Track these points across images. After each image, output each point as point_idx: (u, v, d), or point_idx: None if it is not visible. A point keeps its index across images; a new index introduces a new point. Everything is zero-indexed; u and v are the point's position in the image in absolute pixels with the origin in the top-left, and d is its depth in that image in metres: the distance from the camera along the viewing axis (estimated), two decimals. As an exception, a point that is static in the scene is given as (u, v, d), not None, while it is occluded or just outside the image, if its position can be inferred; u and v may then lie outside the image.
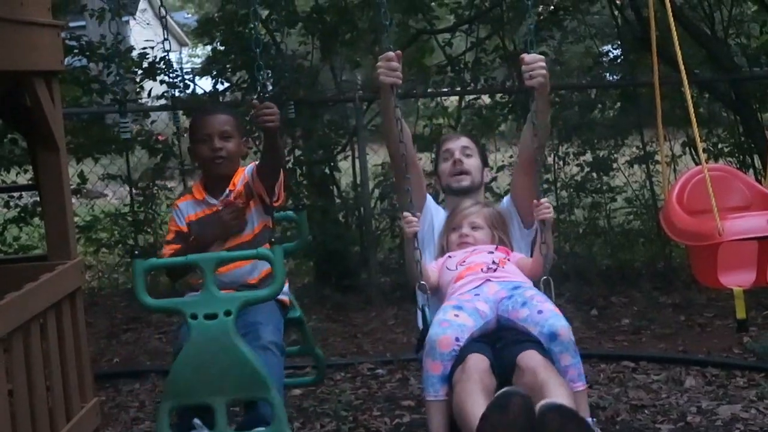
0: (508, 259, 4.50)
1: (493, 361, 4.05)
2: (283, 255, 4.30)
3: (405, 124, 4.59)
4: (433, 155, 9.66)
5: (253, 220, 4.70)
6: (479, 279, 4.35)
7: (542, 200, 4.38)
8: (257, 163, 4.65)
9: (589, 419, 4.01)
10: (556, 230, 9.28)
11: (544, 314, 4.11)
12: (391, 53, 4.40)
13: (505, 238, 4.66)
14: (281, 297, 4.74)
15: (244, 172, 4.74)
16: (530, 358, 3.98)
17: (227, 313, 4.15)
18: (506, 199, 4.93)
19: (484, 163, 5.00)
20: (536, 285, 4.40)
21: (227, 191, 4.75)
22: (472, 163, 4.88)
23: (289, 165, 9.06)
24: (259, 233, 4.68)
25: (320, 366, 5.45)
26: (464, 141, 4.96)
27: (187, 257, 4.41)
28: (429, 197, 4.88)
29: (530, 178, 4.58)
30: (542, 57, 4.43)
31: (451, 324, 4.11)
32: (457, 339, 4.07)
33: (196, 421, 4.27)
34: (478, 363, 4.00)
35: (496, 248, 4.57)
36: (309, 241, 5.55)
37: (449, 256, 4.55)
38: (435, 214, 4.86)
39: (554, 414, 3.69)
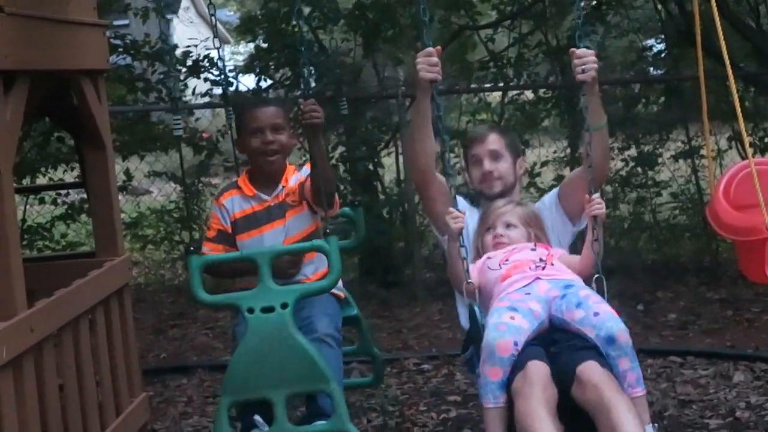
0: (552, 255, 4.33)
1: (550, 366, 3.89)
2: (338, 248, 4.22)
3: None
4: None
5: (305, 220, 4.69)
6: (528, 277, 4.15)
7: (594, 196, 4.22)
8: (308, 177, 4.55)
9: (650, 426, 3.89)
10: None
11: (601, 316, 3.93)
12: (431, 49, 4.30)
13: (541, 236, 4.47)
14: (336, 291, 4.70)
15: (298, 173, 4.71)
16: (591, 371, 3.82)
17: (284, 306, 4.12)
18: (552, 193, 4.77)
19: (516, 154, 4.75)
20: (587, 283, 4.23)
21: (280, 187, 4.72)
22: (503, 166, 4.65)
23: (333, 162, 9.09)
24: (314, 232, 4.66)
25: (378, 367, 5.33)
26: (491, 143, 4.67)
27: (242, 253, 4.43)
28: (459, 198, 4.59)
29: (586, 182, 4.34)
30: (593, 51, 4.35)
31: (509, 327, 3.92)
32: (515, 343, 3.89)
33: (257, 418, 4.25)
34: (540, 371, 3.83)
35: (536, 245, 4.39)
36: (365, 237, 5.45)
37: (488, 257, 4.36)
38: (469, 215, 4.55)
39: None
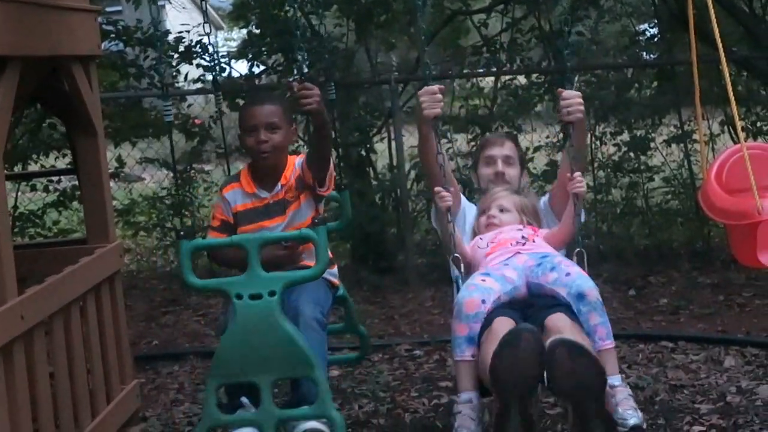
0: (537, 235, 4.62)
1: (520, 324, 4.15)
2: (327, 234, 4.36)
3: (446, 160, 4.73)
4: (469, 137, 9.69)
5: (305, 213, 4.73)
6: (509, 252, 4.48)
7: (575, 174, 4.49)
8: (306, 153, 4.68)
9: (618, 377, 4.18)
10: (593, 210, 9.28)
11: (572, 276, 4.23)
12: (434, 87, 4.56)
13: (534, 223, 4.74)
14: (330, 278, 4.80)
15: (295, 165, 4.75)
16: (557, 319, 4.12)
17: (271, 293, 4.20)
18: (543, 201, 5.02)
19: (523, 167, 5.12)
20: (568, 257, 4.53)
21: (279, 185, 4.76)
22: (513, 172, 4.99)
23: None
24: (311, 222, 4.68)
25: (364, 344, 5.52)
26: (507, 149, 5.03)
27: (232, 238, 4.47)
28: (462, 197, 5.02)
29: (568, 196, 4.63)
30: (579, 93, 4.58)
31: (477, 287, 4.25)
32: (483, 301, 4.21)
33: (244, 399, 4.37)
34: (504, 324, 4.12)
35: (523, 226, 4.68)
36: (351, 220, 5.56)
37: (480, 238, 4.66)
38: (468, 210, 4.97)
39: (564, 348, 3.83)
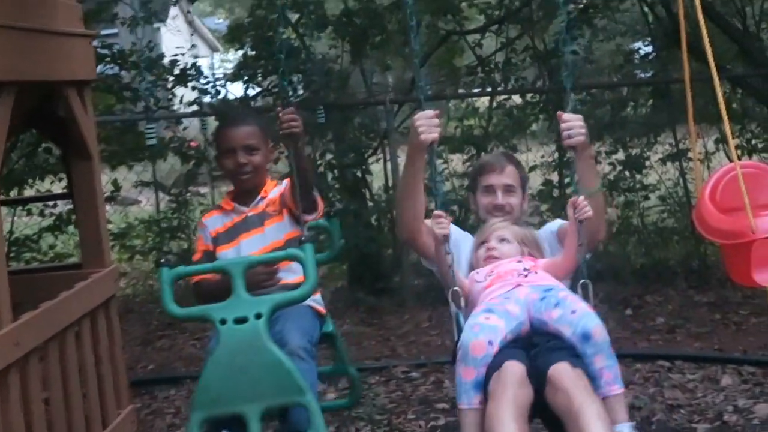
0: (538, 266, 4.32)
1: (528, 367, 3.88)
2: (314, 255, 4.19)
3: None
4: (465, 157, 9.65)
5: (285, 229, 4.67)
6: (510, 284, 4.18)
7: (580, 199, 4.18)
8: (289, 185, 4.56)
9: (628, 424, 3.85)
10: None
11: (578, 314, 3.91)
12: (430, 111, 4.25)
13: (535, 255, 4.45)
14: (316, 306, 4.64)
15: (279, 186, 4.72)
16: (561, 374, 3.80)
17: (258, 316, 4.05)
18: (553, 225, 4.70)
19: (524, 191, 4.78)
20: (574, 289, 4.20)
21: (259, 197, 4.74)
22: (514, 201, 4.67)
23: (321, 169, 9.07)
24: (290, 240, 4.61)
25: (355, 386, 5.27)
26: (508, 177, 4.67)
27: (215, 264, 4.39)
28: (453, 227, 4.45)
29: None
30: (580, 117, 4.30)
31: (483, 327, 3.93)
32: (490, 342, 3.89)
33: None
34: (514, 372, 3.83)
35: (523, 257, 4.39)
36: (341, 250, 5.40)
37: (477, 272, 4.36)
38: (462, 240, 4.61)
39: None
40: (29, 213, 9.78)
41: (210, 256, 4.70)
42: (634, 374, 6.50)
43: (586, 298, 4.12)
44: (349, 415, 6.03)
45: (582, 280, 4.18)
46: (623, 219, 9.70)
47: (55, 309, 4.27)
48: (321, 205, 4.72)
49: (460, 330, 4.06)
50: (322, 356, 5.97)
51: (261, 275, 4.45)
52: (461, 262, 4.48)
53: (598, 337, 3.86)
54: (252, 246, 4.64)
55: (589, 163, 4.40)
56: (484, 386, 3.85)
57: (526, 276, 4.21)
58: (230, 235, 4.72)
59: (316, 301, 4.67)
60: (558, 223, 4.69)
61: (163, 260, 4.24)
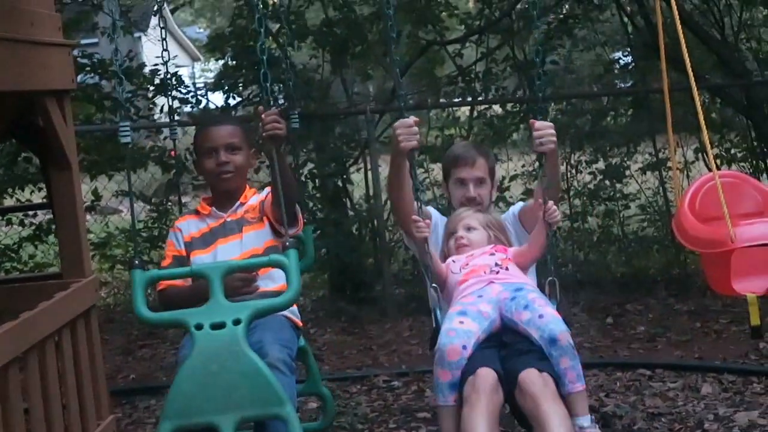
0: (509, 259, 4.61)
1: (500, 371, 4.24)
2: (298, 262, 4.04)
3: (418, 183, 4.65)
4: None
5: (263, 237, 4.55)
6: (483, 281, 4.50)
7: (549, 204, 4.47)
8: (269, 194, 4.46)
9: (588, 417, 4.21)
10: (569, 239, 9.33)
11: (545, 318, 4.25)
12: (409, 120, 4.50)
13: (501, 238, 4.76)
14: (293, 318, 4.57)
15: (259, 194, 4.63)
16: (530, 380, 4.17)
17: (236, 322, 3.86)
18: (515, 209, 5.00)
19: (493, 180, 5.04)
20: (539, 285, 4.59)
21: (238, 203, 4.64)
22: (484, 192, 4.95)
23: (302, 178, 9.07)
24: (270, 247, 4.53)
25: (328, 407, 5.20)
26: (479, 170, 4.93)
27: (192, 267, 4.23)
28: (433, 210, 5.00)
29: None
30: (551, 124, 4.55)
31: (458, 332, 4.27)
32: (464, 347, 4.24)
33: None
34: (487, 379, 4.19)
35: (495, 248, 4.66)
36: (314, 260, 5.36)
37: (453, 260, 4.65)
38: (441, 224, 4.94)
39: None
40: (9, 223, 9.76)
41: (182, 261, 4.57)
42: (614, 382, 6.52)
43: (552, 294, 4.48)
44: (330, 425, 6.01)
45: (549, 278, 4.53)
46: (604, 228, 9.74)
47: (34, 319, 4.25)
48: (301, 220, 4.63)
49: (437, 321, 4.42)
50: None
51: (238, 282, 4.30)
52: (439, 243, 4.83)
53: (563, 341, 4.22)
54: (229, 252, 4.51)
55: (555, 164, 4.72)
56: (459, 387, 4.21)
57: (497, 273, 4.53)
58: (206, 240, 4.60)
59: (294, 313, 4.58)
60: (519, 205, 5.04)
61: (136, 262, 4.04)
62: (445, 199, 5.36)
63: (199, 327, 3.88)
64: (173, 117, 5.25)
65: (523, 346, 4.29)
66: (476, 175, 4.92)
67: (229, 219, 4.63)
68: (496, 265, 4.56)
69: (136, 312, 4.02)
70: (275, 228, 4.56)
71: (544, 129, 4.51)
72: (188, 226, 4.67)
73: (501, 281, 4.48)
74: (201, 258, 4.53)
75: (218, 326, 3.86)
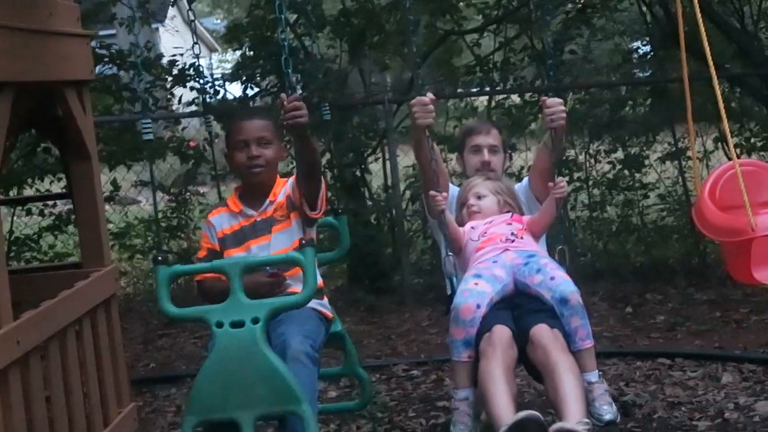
0: (525, 229, 4.86)
1: (513, 329, 4.51)
2: (315, 259, 4.09)
3: (437, 149, 5.02)
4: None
5: (295, 232, 4.53)
6: (498, 249, 4.76)
7: (557, 180, 4.74)
8: (296, 171, 4.50)
9: (595, 373, 4.46)
10: (588, 228, 9.34)
11: (556, 280, 4.53)
12: (425, 98, 4.76)
13: (511, 202, 5.00)
14: (322, 309, 4.60)
15: (286, 185, 4.63)
16: (541, 334, 4.44)
17: (255, 321, 3.96)
18: (524, 184, 5.29)
19: (506, 152, 5.40)
20: (550, 253, 4.88)
21: (267, 201, 4.65)
22: (498, 160, 5.24)
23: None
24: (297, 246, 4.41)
25: (365, 389, 5.28)
26: (492, 138, 5.24)
27: (213, 263, 4.31)
28: (451, 186, 5.28)
29: (547, 178, 4.88)
30: (561, 100, 4.85)
31: (472, 292, 4.54)
32: (478, 306, 4.50)
33: None
34: (502, 335, 4.45)
35: (513, 218, 4.90)
36: (348, 249, 5.46)
37: (472, 227, 4.89)
38: (455, 195, 5.19)
39: None
40: (29, 213, 9.79)
41: (215, 255, 4.61)
42: (634, 372, 6.51)
43: (562, 260, 4.79)
44: (350, 413, 6.02)
45: (559, 247, 4.85)
46: (623, 218, 9.71)
47: (55, 308, 4.27)
48: (325, 201, 4.61)
49: (453, 289, 4.71)
50: (331, 356, 5.98)
51: (265, 286, 4.37)
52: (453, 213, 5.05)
53: (573, 301, 4.49)
54: (261, 252, 4.56)
55: (563, 138, 5.02)
56: (475, 344, 4.48)
57: (513, 241, 4.80)
58: (238, 238, 4.63)
59: (323, 305, 4.62)
60: (525, 181, 5.34)
61: (160, 258, 4.12)
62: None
63: (219, 325, 3.98)
64: (206, 106, 5.26)
65: (535, 306, 4.57)
66: (490, 142, 5.19)
67: (259, 219, 4.63)
68: (512, 234, 4.81)
69: (161, 308, 4.13)
70: (304, 217, 4.55)
71: (555, 106, 4.82)
72: (220, 221, 4.69)
73: (515, 249, 4.75)
74: (235, 257, 4.53)
75: (238, 324, 3.96)
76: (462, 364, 4.55)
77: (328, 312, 4.69)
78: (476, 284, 4.59)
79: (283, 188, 4.64)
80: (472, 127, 5.43)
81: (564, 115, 4.82)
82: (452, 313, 4.55)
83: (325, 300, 4.69)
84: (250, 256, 4.41)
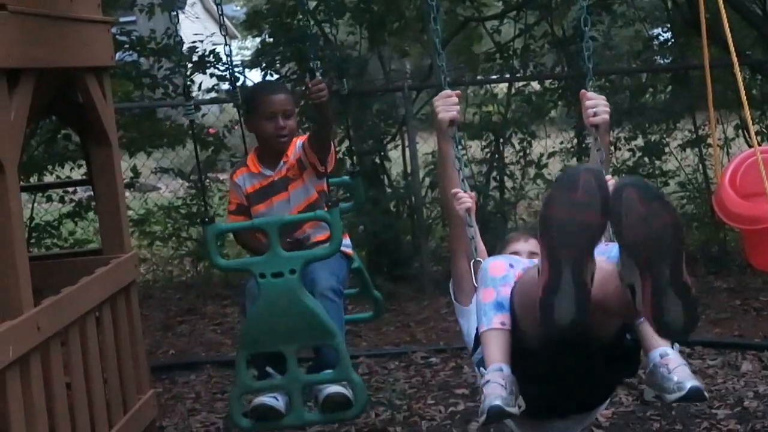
0: None
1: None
2: (339, 215, 4.60)
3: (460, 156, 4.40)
4: (483, 144, 9.63)
5: (309, 188, 4.92)
6: None
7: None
8: (308, 135, 4.92)
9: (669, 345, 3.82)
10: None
11: (609, 245, 3.68)
12: (449, 91, 4.32)
13: None
14: (344, 249, 4.95)
15: (296, 147, 4.94)
16: (600, 261, 3.47)
17: (292, 272, 4.50)
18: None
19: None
20: None
21: (281, 162, 4.94)
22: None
23: (340, 156, 9.06)
24: (317, 198, 4.90)
25: (378, 306, 5.71)
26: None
27: (253, 222, 4.74)
28: None
29: None
30: (603, 97, 4.29)
31: (504, 256, 4.02)
32: (511, 265, 3.81)
33: (269, 369, 4.67)
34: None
35: None
36: (363, 202, 5.94)
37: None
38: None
39: (633, 190, 3.25)
40: (49, 199, 9.83)
41: (244, 209, 4.99)
42: (653, 360, 6.48)
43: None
44: (369, 400, 6.02)
45: None
46: (642, 205, 9.66)
47: (75, 294, 4.29)
48: (332, 162, 4.95)
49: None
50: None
51: (291, 248, 4.75)
52: None
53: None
54: (282, 208, 4.92)
55: (607, 135, 4.39)
56: (510, 307, 3.70)
57: None
58: (260, 196, 4.98)
59: (345, 244, 4.97)
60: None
61: (206, 219, 4.58)
62: (482, 176, 5.33)
63: (262, 276, 4.53)
64: (237, 92, 5.48)
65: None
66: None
67: (276, 178, 4.96)
68: None
69: (211, 260, 4.73)
70: (315, 170, 4.92)
71: (597, 99, 4.24)
72: (243, 181, 5.02)
73: None
74: (260, 212, 4.95)
75: (277, 275, 4.51)
76: (493, 332, 3.68)
77: (349, 250, 5.11)
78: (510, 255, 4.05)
79: (294, 149, 4.97)
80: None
81: (607, 109, 4.22)
82: (479, 276, 3.84)
83: (348, 239, 5.05)
84: (285, 216, 4.80)
